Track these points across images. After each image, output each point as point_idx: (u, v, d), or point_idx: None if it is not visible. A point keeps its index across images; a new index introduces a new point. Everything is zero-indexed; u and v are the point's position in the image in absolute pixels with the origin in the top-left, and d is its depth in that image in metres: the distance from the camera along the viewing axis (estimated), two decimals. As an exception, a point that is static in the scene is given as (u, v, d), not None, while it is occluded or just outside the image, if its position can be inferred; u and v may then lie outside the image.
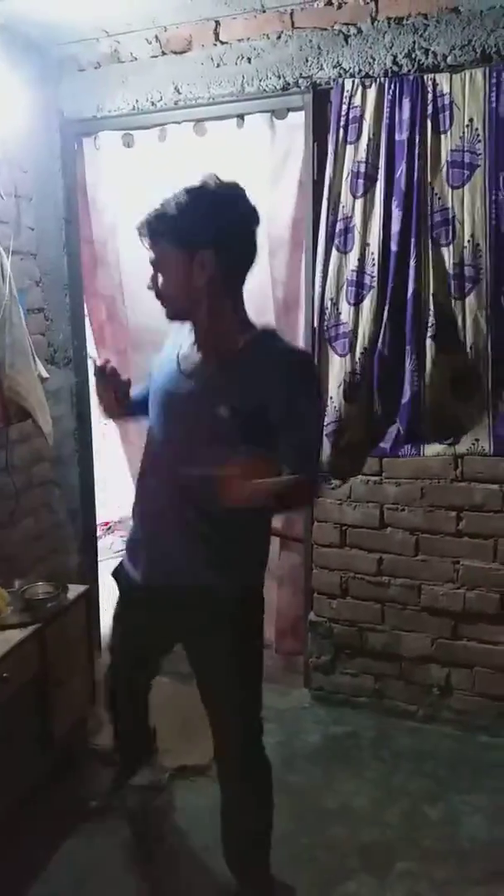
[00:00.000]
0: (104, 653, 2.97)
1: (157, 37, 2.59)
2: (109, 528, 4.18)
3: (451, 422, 2.42)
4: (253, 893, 1.83)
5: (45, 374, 2.58)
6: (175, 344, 1.71)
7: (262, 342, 1.59)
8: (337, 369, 2.49)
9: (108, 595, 3.11)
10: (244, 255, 1.57)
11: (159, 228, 1.54)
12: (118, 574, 1.83)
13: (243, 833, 1.81)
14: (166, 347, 1.74)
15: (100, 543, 3.40)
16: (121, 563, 1.83)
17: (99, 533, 3.72)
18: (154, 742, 2.19)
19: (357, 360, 2.46)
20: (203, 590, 1.63)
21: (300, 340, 2.69)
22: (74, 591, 2.36)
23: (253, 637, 1.72)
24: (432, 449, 2.45)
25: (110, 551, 3.79)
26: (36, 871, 1.99)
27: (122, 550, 1.92)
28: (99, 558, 3.19)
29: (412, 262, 2.33)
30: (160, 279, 1.58)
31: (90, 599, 2.47)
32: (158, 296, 1.60)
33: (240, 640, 1.68)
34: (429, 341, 2.37)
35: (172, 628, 1.78)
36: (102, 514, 3.74)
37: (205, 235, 1.50)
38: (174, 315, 1.62)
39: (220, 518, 1.56)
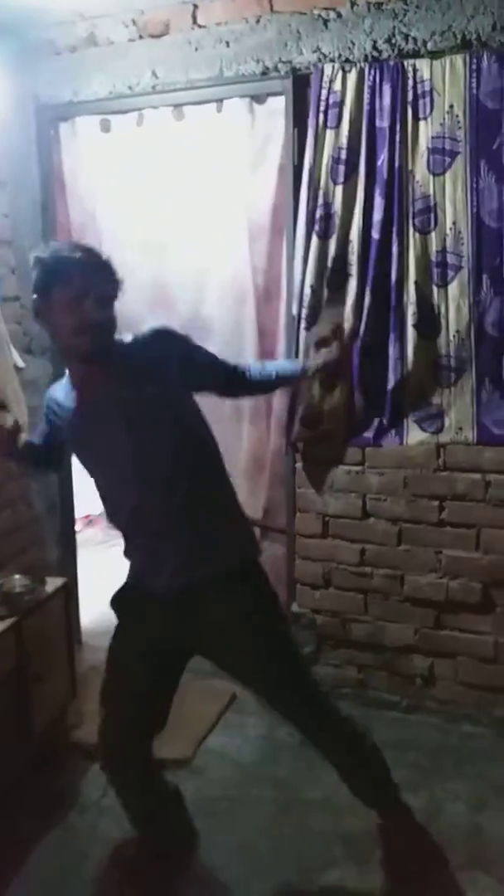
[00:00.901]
0: (84, 647, 2.96)
1: (134, 20, 2.54)
2: (90, 521, 4.13)
3: (433, 409, 2.41)
4: (394, 824, 1.91)
5: (20, 363, 2.55)
6: (66, 399, 1.75)
7: (124, 343, 1.68)
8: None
9: (88, 588, 3.10)
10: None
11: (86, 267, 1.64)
12: (124, 601, 1.79)
13: (363, 778, 1.92)
14: (62, 407, 1.77)
15: (80, 537, 3.36)
16: (123, 591, 1.80)
17: (79, 526, 3.69)
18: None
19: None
20: (222, 576, 1.69)
21: (280, 328, 2.67)
22: (53, 584, 2.34)
23: (276, 607, 1.81)
24: (416, 437, 2.44)
25: (91, 544, 3.75)
26: (16, 865, 1.96)
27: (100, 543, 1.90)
28: (79, 551, 3.15)
29: (394, 250, 2.32)
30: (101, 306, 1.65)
31: (69, 592, 2.44)
32: (100, 321, 1.65)
33: (265, 615, 1.76)
34: (411, 329, 2.36)
35: (197, 635, 1.75)
36: (83, 508, 3.70)
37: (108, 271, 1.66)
38: (105, 337, 1.66)
39: (200, 486, 1.68)
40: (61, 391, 1.77)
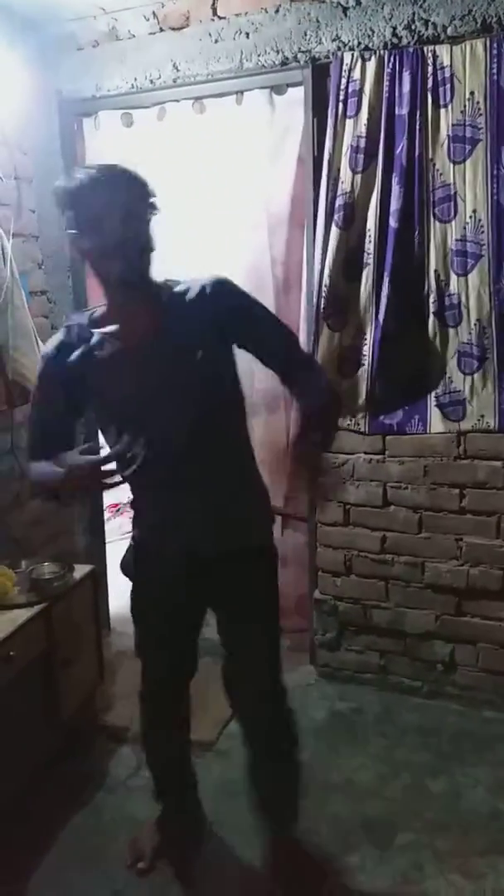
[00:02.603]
0: (112, 633, 3.03)
1: (154, 13, 2.56)
2: (118, 510, 4.21)
3: (456, 397, 2.41)
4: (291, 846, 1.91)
5: (48, 356, 2.59)
6: (87, 361, 1.61)
7: (173, 289, 1.62)
8: (329, 344, 2.48)
9: (117, 575, 3.16)
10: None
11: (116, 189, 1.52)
12: (137, 561, 1.79)
13: (287, 783, 1.90)
14: (79, 369, 1.62)
15: (108, 526, 3.43)
16: (136, 552, 1.79)
17: (108, 515, 3.76)
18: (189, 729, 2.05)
19: (352, 336, 2.45)
20: (235, 534, 1.70)
21: (301, 319, 2.68)
22: (81, 570, 2.39)
23: (275, 582, 1.82)
24: (438, 425, 2.45)
25: (118, 533, 3.82)
26: (45, 847, 2.03)
27: (128, 533, 1.92)
28: (107, 540, 3.22)
29: (415, 239, 2.32)
30: (130, 229, 1.51)
31: (96, 578, 2.49)
32: (129, 250, 1.52)
33: (270, 585, 1.79)
34: (432, 318, 2.36)
35: (207, 593, 1.77)
36: (111, 497, 3.77)
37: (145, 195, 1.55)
38: (140, 271, 1.56)
39: (228, 457, 1.67)
40: (66, 351, 1.63)
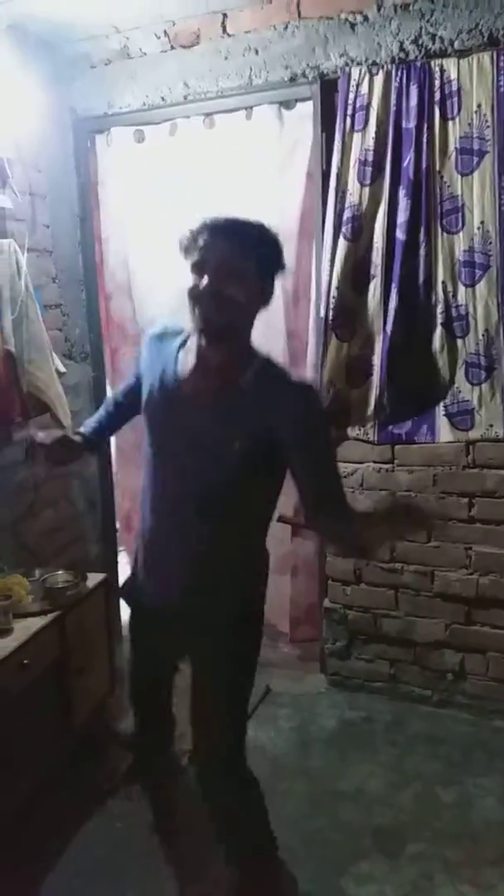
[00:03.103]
0: (124, 641, 3.05)
1: (165, 31, 2.61)
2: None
3: (464, 407, 2.43)
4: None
5: (62, 368, 2.64)
6: (166, 357, 1.62)
7: (265, 370, 1.54)
8: (337, 354, 2.50)
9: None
10: (274, 291, 1.55)
11: (240, 250, 1.45)
12: (127, 592, 1.83)
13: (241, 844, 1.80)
14: (156, 359, 1.65)
15: (121, 534, 3.46)
16: (128, 582, 1.81)
17: (120, 524, 3.79)
18: (174, 731, 2.11)
19: (360, 346, 2.48)
20: (205, 608, 1.64)
21: (310, 330, 2.71)
22: (94, 579, 2.42)
23: (250, 652, 1.71)
24: (447, 435, 2.46)
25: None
26: (57, 854, 2.04)
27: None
28: (120, 549, 3.25)
29: (422, 251, 2.34)
30: (217, 300, 1.45)
31: (109, 587, 2.52)
32: (210, 315, 1.46)
33: (237, 656, 1.68)
34: (439, 329, 2.38)
35: (180, 643, 1.76)
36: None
37: (276, 267, 1.51)
38: (216, 336, 1.48)
39: (221, 539, 1.58)
40: (171, 344, 1.63)
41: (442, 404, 2.46)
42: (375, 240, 2.40)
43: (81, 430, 1.90)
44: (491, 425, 2.40)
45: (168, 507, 1.63)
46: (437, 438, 2.48)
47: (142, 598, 1.75)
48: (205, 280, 1.43)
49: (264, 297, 1.51)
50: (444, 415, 2.46)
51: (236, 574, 1.65)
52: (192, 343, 1.55)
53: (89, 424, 1.91)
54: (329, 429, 1.64)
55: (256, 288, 1.48)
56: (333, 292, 2.46)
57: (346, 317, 2.48)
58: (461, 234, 2.32)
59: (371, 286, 2.43)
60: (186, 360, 1.58)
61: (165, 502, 1.63)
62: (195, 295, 1.45)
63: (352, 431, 2.56)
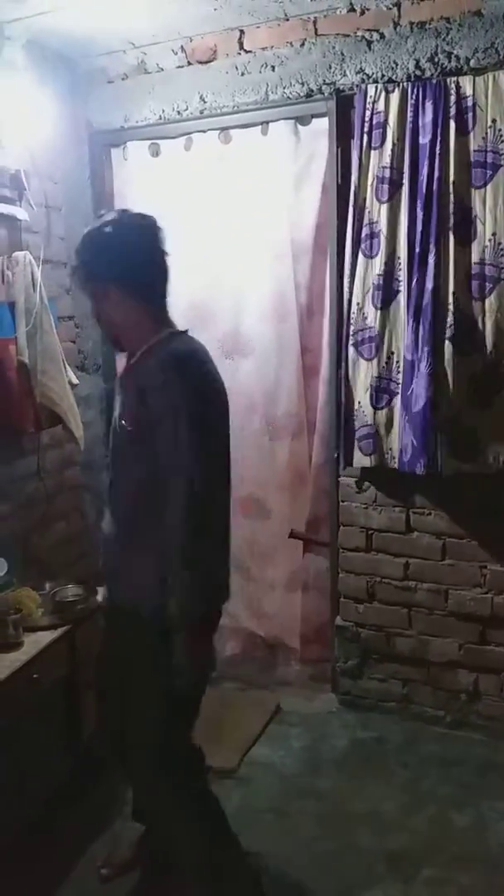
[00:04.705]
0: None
1: (182, 47, 2.63)
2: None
3: (467, 435, 2.36)
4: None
5: (75, 380, 2.63)
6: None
7: (155, 348, 1.62)
8: (364, 374, 2.49)
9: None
10: (149, 278, 1.66)
11: (75, 271, 1.72)
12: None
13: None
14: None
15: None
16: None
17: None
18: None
19: (384, 365, 2.46)
20: (114, 595, 1.78)
21: (324, 346, 2.70)
22: (103, 593, 2.39)
23: (155, 655, 1.62)
24: (451, 467, 2.37)
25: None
26: (65, 871, 2.01)
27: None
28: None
29: (431, 261, 2.32)
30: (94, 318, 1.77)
31: (119, 602, 2.50)
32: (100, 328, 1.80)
33: (139, 662, 1.68)
34: (447, 343, 2.34)
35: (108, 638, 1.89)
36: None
37: (104, 272, 1.62)
38: (111, 343, 1.79)
39: (122, 526, 1.71)
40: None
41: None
42: (398, 257, 2.38)
43: None
44: (498, 454, 2.34)
45: (111, 493, 1.77)
46: (442, 472, 2.36)
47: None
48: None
49: (119, 291, 1.62)
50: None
51: (136, 567, 1.67)
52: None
53: None
54: (181, 413, 1.50)
55: (101, 293, 1.64)
56: (353, 309, 2.45)
57: (367, 334, 2.45)
58: (472, 245, 2.30)
59: (394, 304, 2.41)
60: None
61: (110, 488, 1.78)
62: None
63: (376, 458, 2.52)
